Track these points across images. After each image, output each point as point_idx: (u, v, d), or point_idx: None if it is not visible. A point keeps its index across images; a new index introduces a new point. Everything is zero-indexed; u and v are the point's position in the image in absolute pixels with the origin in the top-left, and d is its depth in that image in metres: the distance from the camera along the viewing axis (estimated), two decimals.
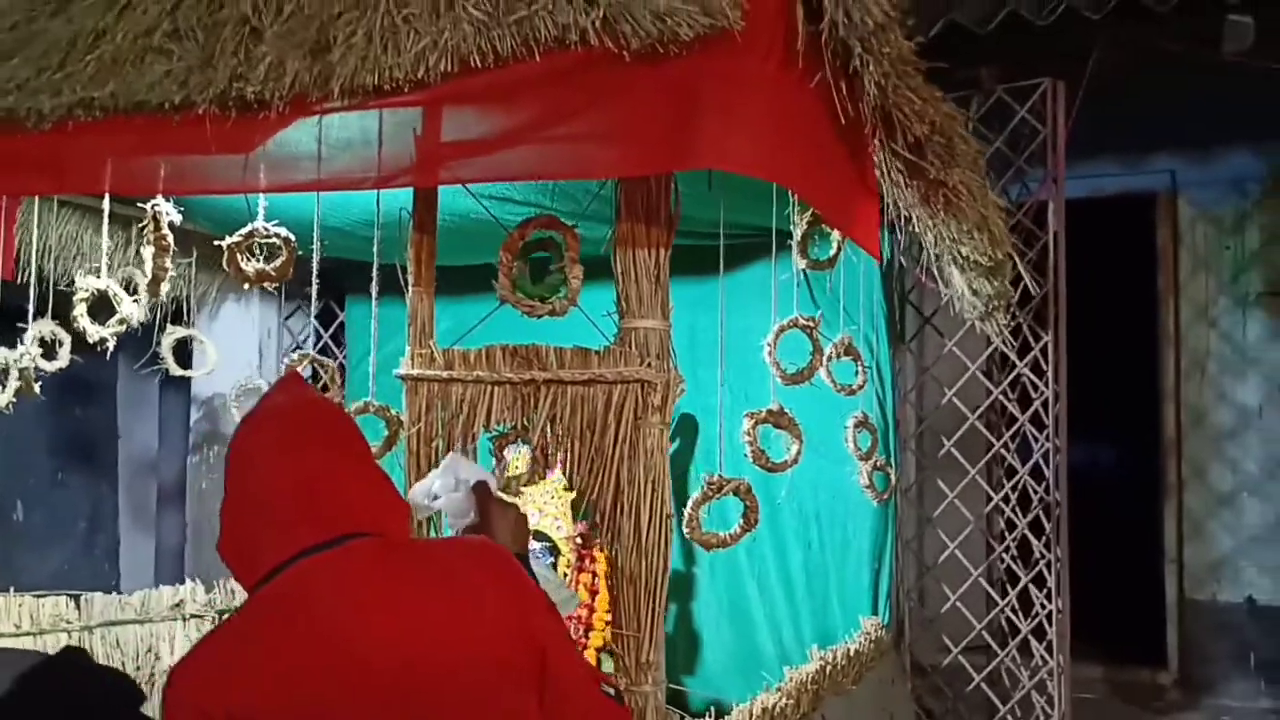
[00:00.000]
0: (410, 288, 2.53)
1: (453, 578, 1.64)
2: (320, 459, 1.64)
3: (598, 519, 2.30)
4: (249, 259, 2.68)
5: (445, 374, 2.43)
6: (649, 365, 2.28)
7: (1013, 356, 4.47)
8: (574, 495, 4.41)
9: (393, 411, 2.61)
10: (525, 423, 2.35)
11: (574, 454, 2.31)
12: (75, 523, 6.49)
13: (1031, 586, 4.42)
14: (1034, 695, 4.45)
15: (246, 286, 2.69)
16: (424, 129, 2.30)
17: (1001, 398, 4.47)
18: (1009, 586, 4.58)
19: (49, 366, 3.69)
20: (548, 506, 4.42)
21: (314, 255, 2.72)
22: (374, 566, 1.60)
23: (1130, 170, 5.89)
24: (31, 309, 3.39)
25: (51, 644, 3.90)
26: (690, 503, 2.49)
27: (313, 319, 2.85)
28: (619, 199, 2.33)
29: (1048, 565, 4.35)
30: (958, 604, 4.49)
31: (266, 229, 2.68)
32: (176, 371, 4.48)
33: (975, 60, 4.69)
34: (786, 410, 2.75)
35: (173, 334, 4.43)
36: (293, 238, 2.69)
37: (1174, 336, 5.81)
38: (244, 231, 2.68)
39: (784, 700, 2.96)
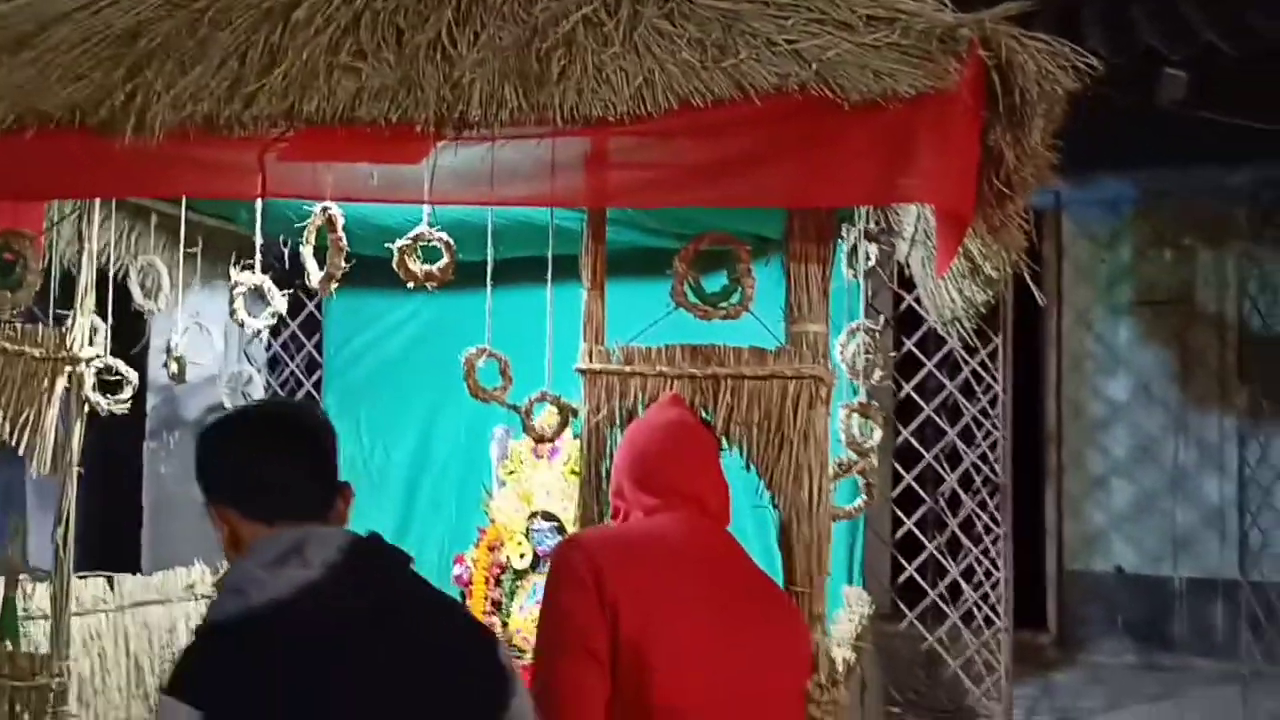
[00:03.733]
0: (586, 291, 2.84)
1: (758, 574, 2.42)
2: (670, 454, 2.46)
3: (774, 494, 2.68)
4: (415, 260, 2.92)
5: (627, 368, 2.76)
6: (819, 363, 2.68)
7: (961, 354, 5.08)
8: (579, 478, 4.74)
9: (563, 400, 2.91)
10: (704, 412, 2.70)
11: (750, 439, 2.68)
12: None
13: (979, 557, 5.05)
14: (977, 656, 5.08)
15: (411, 285, 2.93)
16: (629, 155, 2.63)
17: (956, 392, 5.07)
18: (950, 559, 5.19)
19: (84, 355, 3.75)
20: (554, 488, 4.75)
21: (489, 259, 3.00)
22: (696, 523, 2.39)
23: None
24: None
25: (93, 624, 3.98)
26: None
27: (489, 313, 3.09)
28: (791, 223, 2.72)
29: (993, 539, 4.99)
30: (914, 574, 5.09)
31: (431, 233, 2.92)
32: (189, 359, 4.52)
33: None
34: (874, 403, 3.20)
35: (184, 322, 4.49)
36: (453, 242, 2.95)
37: (1057, 339, 6.59)
38: (412, 235, 2.92)
39: (849, 654, 3.41)
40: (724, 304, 2.77)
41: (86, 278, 3.09)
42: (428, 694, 1.67)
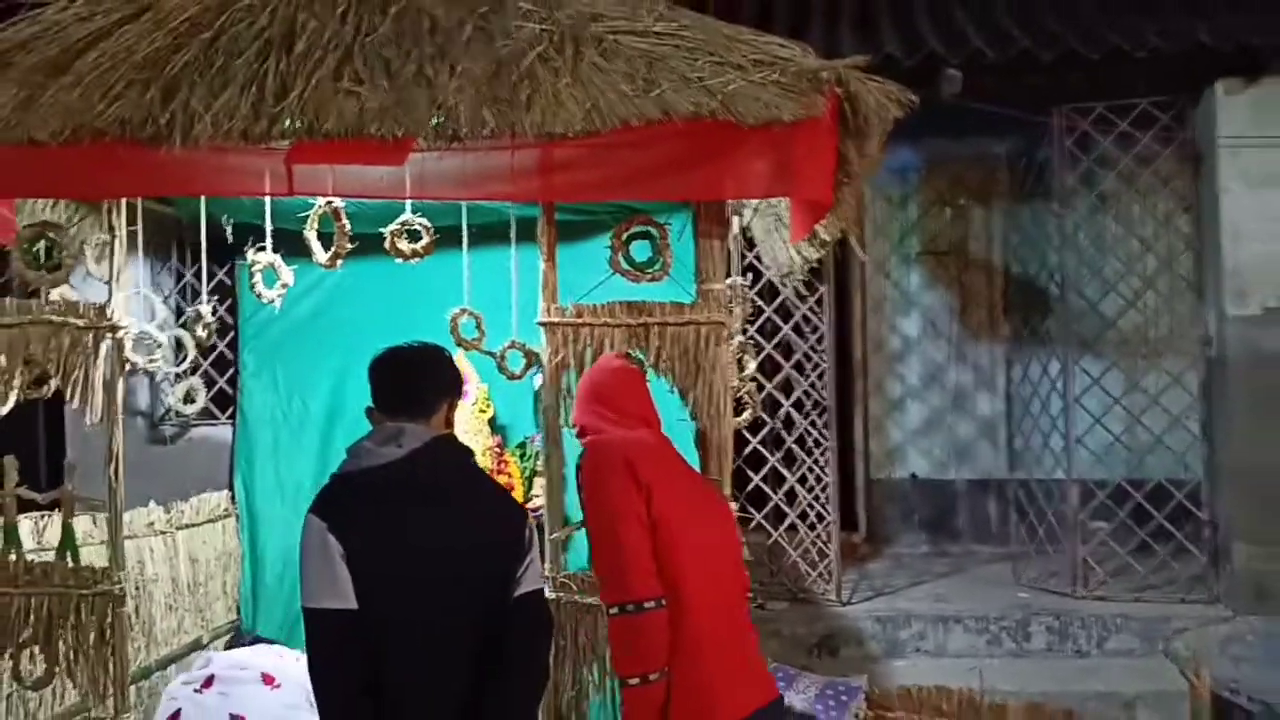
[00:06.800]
0: (543, 262, 3.70)
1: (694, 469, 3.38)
2: (619, 388, 3.34)
3: (693, 410, 3.63)
4: (404, 240, 3.71)
5: (579, 320, 3.65)
6: (720, 312, 3.64)
7: (792, 301, 6.17)
8: (488, 415, 5.58)
9: (528, 346, 3.76)
10: (639, 351, 3.63)
11: (674, 370, 3.62)
12: None
13: (810, 466, 6.17)
14: (811, 548, 6.23)
15: (400, 260, 3.71)
16: (581, 162, 3.48)
17: (790, 333, 6.16)
18: (787, 470, 6.30)
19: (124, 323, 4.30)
20: (466, 425, 5.58)
21: (464, 246, 3.80)
22: (656, 435, 3.27)
23: None
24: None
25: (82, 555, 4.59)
26: None
27: (467, 279, 3.86)
28: (698, 210, 3.66)
29: (822, 451, 6.12)
30: (759, 483, 6.18)
31: (412, 220, 3.72)
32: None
33: None
34: (750, 342, 4.20)
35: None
36: (430, 225, 3.76)
37: (861, 285, 7.78)
38: (400, 220, 3.71)
39: None
40: (649, 270, 3.70)
41: (118, 260, 3.74)
42: (473, 541, 2.63)
